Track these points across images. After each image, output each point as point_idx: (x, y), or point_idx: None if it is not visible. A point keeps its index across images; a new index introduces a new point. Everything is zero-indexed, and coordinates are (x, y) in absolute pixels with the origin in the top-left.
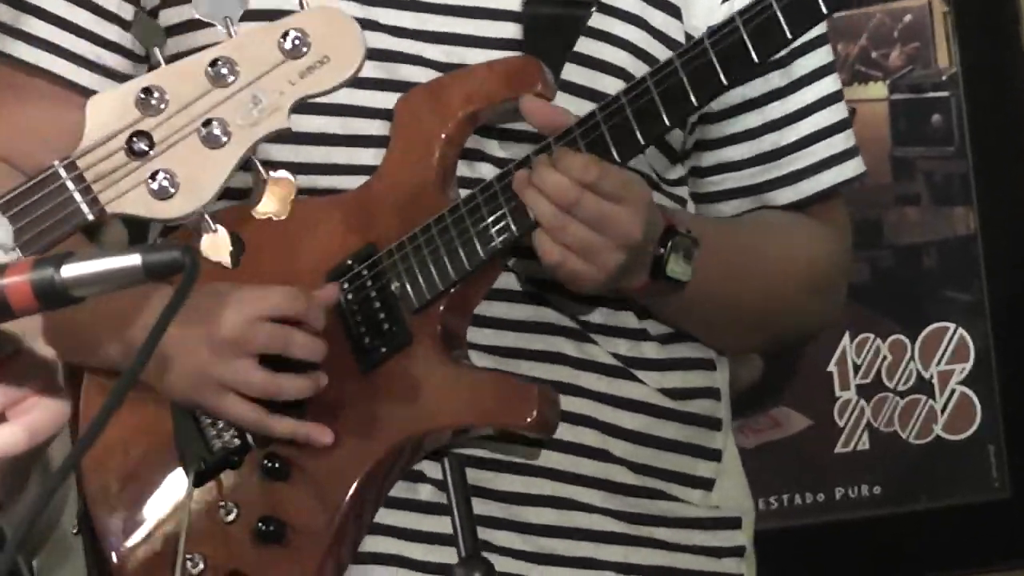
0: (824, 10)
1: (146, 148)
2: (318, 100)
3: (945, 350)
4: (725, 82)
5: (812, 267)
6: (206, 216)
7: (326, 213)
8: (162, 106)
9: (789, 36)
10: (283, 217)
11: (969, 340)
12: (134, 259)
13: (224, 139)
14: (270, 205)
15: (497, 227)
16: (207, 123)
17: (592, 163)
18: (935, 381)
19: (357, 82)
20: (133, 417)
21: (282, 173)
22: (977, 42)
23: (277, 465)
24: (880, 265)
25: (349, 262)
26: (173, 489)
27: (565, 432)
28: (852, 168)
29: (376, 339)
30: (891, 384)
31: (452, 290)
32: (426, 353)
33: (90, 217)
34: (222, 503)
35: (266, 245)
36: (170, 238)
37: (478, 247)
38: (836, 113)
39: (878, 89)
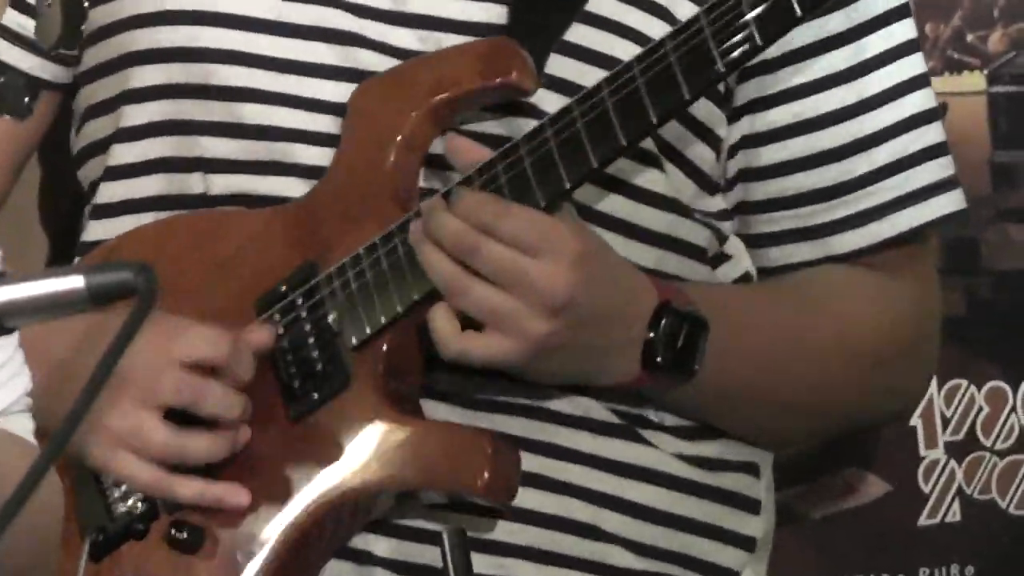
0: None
1: None
2: (262, 88)
3: None
4: (687, 97)
5: (882, 338)
6: None
7: (265, 226)
8: None
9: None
10: (73, 46)
11: None
12: (76, 281)
13: None
14: (57, 26)
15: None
16: None
17: (490, 201)
18: None
19: (307, 69)
20: None
21: None
22: None
23: (185, 534)
24: (976, 295)
25: (282, 288)
26: (71, 563)
27: (548, 503)
28: (944, 204)
29: (308, 382)
30: (987, 442)
31: (399, 323)
32: (364, 399)
33: None
34: None
35: (192, 264)
36: (99, 251)
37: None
38: (923, 136)
39: (975, 80)
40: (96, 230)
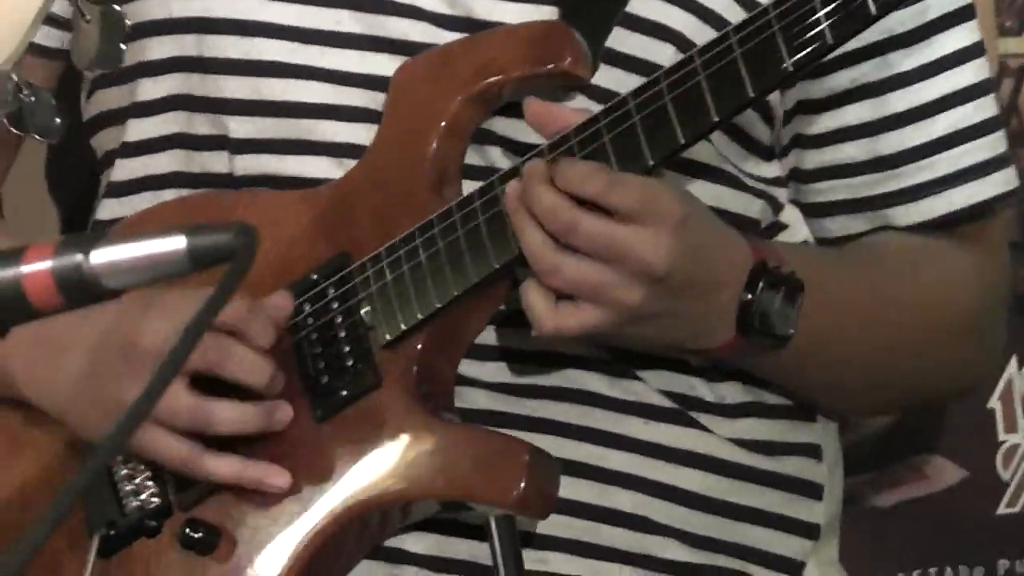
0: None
1: None
2: (284, 60)
3: None
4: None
5: (958, 309)
6: (13, 76)
7: (297, 211)
8: None
9: (874, 13)
10: (113, 66)
11: None
12: (177, 242)
13: None
14: (95, 45)
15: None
16: None
17: (597, 172)
18: None
19: (331, 39)
20: (37, 463)
21: (110, 7)
22: None
23: (200, 534)
24: None
25: (314, 277)
26: (76, 558)
27: (592, 493)
28: (1000, 181)
29: (336, 379)
30: None
31: (435, 320)
32: (394, 401)
33: None
34: None
35: None
36: (118, 228)
37: (469, 266)
38: (980, 110)
39: None
40: (112, 208)
